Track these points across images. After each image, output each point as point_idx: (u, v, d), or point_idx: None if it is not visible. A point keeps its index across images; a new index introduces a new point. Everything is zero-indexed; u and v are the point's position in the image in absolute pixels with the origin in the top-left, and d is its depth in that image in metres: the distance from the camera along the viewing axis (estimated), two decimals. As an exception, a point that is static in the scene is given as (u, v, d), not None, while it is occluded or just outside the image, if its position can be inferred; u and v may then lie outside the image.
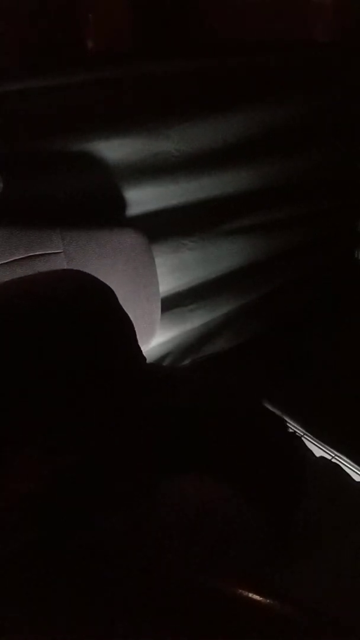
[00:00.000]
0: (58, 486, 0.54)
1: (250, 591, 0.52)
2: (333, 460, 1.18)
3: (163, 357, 1.37)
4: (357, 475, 1.14)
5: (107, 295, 0.69)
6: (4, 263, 0.97)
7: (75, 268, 1.01)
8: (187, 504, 0.56)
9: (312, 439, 1.25)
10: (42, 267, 1.00)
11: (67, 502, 0.53)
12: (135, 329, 0.98)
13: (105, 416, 0.59)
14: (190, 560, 0.53)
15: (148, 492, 0.56)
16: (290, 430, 1.21)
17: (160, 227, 1.26)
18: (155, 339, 1.26)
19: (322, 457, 1.15)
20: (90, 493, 0.55)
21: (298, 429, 1.27)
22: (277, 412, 1.31)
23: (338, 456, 1.20)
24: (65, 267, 1.01)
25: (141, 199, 1.23)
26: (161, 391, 0.68)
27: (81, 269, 0.92)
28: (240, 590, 0.52)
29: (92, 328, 0.62)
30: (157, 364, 0.80)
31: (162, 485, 0.57)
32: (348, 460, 1.18)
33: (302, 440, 1.17)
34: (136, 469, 0.58)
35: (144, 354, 0.80)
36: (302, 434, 1.26)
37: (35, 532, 0.51)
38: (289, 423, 1.29)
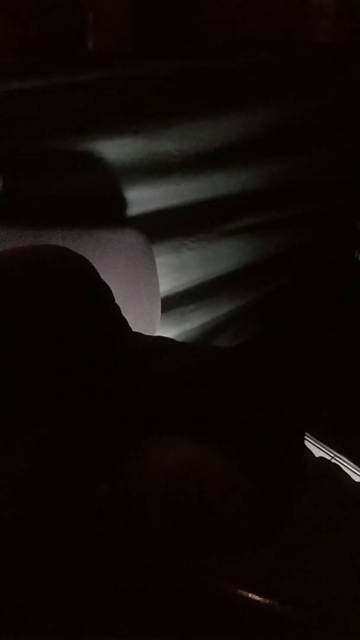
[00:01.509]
0: (42, 456, 0.53)
1: (250, 591, 0.52)
2: (333, 460, 1.18)
3: (163, 357, 1.37)
4: (357, 476, 1.14)
5: (85, 266, 0.69)
6: (4, 263, 0.96)
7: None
8: (169, 463, 0.54)
9: (311, 439, 1.25)
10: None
11: (53, 471, 0.53)
12: (135, 329, 0.97)
13: (85, 383, 0.58)
14: (175, 533, 0.52)
15: (130, 452, 0.55)
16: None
17: (161, 227, 1.26)
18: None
19: (321, 458, 1.15)
20: (73, 460, 0.54)
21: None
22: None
23: (338, 457, 1.20)
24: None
25: (141, 199, 1.23)
26: (148, 355, 0.66)
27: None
28: (240, 591, 0.52)
29: (71, 295, 0.62)
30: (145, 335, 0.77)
31: (144, 445, 0.55)
32: (348, 461, 1.18)
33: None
34: (117, 433, 0.56)
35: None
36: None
37: (25, 506, 0.51)
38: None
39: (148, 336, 0.73)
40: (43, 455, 0.53)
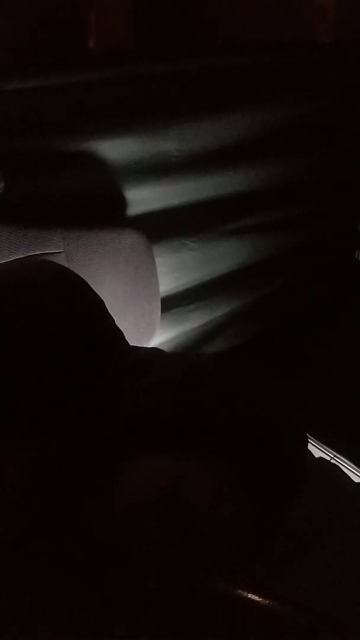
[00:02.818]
0: (33, 478, 0.53)
1: (250, 591, 0.52)
2: (332, 461, 1.18)
3: (163, 357, 1.37)
4: (357, 476, 1.14)
5: (75, 282, 0.68)
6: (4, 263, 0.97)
7: (75, 268, 1.01)
8: (157, 478, 0.53)
9: (311, 439, 1.25)
10: (43, 267, 0.99)
11: (45, 492, 0.53)
12: (135, 329, 0.97)
13: (75, 398, 0.57)
14: (164, 546, 0.51)
15: (118, 468, 0.54)
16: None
17: (161, 227, 1.26)
18: (155, 339, 1.26)
19: (321, 458, 1.14)
20: (65, 479, 0.53)
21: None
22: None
23: (337, 457, 1.20)
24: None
25: (141, 199, 1.23)
26: (140, 368, 0.65)
27: (81, 269, 0.92)
28: (240, 591, 0.52)
29: (61, 314, 0.61)
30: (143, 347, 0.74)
31: (132, 461, 0.55)
32: (347, 461, 1.18)
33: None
34: (107, 448, 0.55)
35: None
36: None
37: (22, 523, 0.51)
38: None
39: (142, 348, 0.71)
40: (34, 476, 0.53)
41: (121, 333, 0.71)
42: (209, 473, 0.53)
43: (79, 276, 0.68)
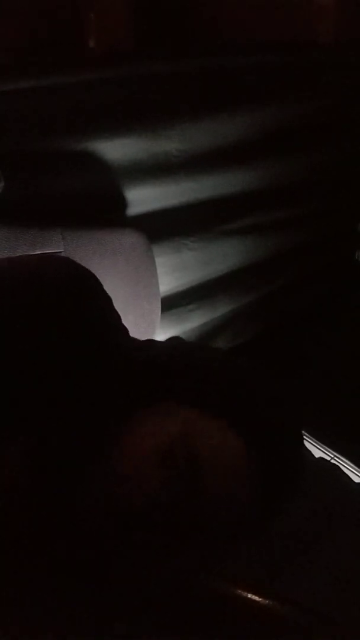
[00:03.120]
0: (36, 474, 0.53)
1: (250, 591, 0.52)
2: (332, 461, 1.18)
3: (163, 357, 1.36)
4: (357, 477, 1.14)
5: (85, 277, 0.68)
6: (4, 263, 0.96)
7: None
8: (160, 431, 0.51)
9: (311, 439, 1.25)
10: (43, 267, 0.99)
11: (48, 488, 0.53)
12: (136, 329, 0.97)
13: (77, 398, 0.57)
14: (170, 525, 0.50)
15: (117, 429, 0.53)
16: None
17: (161, 227, 1.26)
18: (155, 339, 1.26)
19: (321, 458, 1.15)
20: (67, 477, 0.53)
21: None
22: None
23: (337, 457, 1.20)
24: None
25: (141, 199, 1.23)
26: (142, 347, 0.64)
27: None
28: (240, 591, 0.52)
29: (70, 309, 0.61)
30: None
31: (134, 417, 0.53)
32: (347, 461, 1.18)
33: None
34: (103, 416, 0.55)
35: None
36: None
37: (22, 523, 0.51)
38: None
39: (141, 341, 0.71)
40: (35, 476, 0.53)
41: (127, 330, 0.71)
42: (210, 420, 0.52)
43: (90, 271, 0.68)
